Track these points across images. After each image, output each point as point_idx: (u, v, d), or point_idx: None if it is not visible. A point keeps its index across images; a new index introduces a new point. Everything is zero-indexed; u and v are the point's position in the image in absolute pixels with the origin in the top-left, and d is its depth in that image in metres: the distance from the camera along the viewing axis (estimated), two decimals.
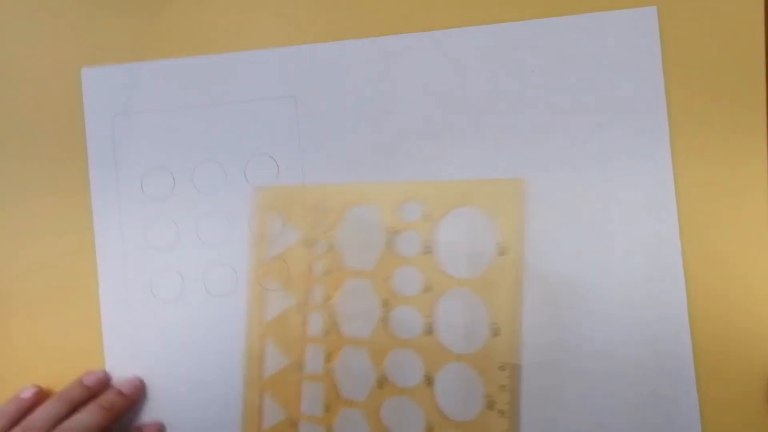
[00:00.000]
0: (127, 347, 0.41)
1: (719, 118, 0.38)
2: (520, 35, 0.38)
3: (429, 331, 0.36)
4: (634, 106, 0.38)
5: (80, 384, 0.39)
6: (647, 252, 0.37)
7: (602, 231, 0.37)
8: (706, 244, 0.37)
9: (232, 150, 0.42)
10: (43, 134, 0.42)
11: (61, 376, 0.40)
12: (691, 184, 0.37)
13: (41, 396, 0.39)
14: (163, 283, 0.42)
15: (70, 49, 0.42)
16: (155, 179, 0.42)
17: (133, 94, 0.42)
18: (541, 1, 0.39)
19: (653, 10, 0.38)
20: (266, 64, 0.42)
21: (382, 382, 0.36)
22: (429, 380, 0.35)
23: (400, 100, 0.39)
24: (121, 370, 0.40)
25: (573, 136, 0.38)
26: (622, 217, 0.37)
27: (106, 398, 0.38)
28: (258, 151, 0.42)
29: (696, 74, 0.38)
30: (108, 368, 0.40)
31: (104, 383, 0.39)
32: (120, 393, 0.38)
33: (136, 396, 0.39)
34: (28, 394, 0.39)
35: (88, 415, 0.37)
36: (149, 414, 0.40)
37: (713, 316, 0.36)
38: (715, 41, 0.38)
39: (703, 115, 0.38)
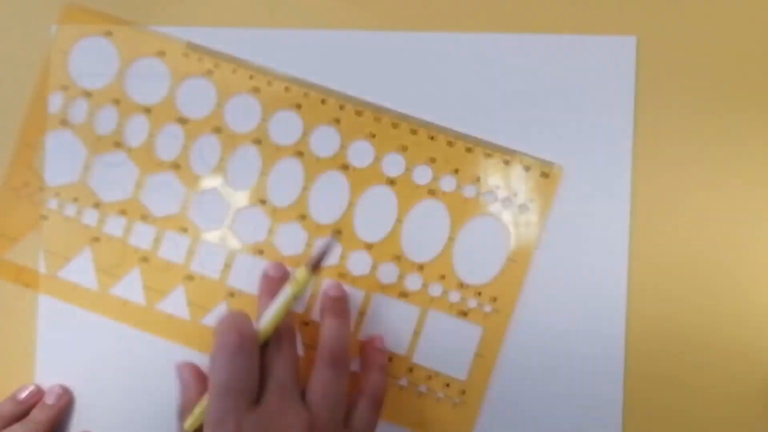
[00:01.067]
0: None
1: (685, 155, 0.36)
2: (497, 47, 0.36)
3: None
4: (600, 133, 0.36)
5: (12, 400, 0.37)
6: (593, 280, 0.35)
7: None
8: (653, 283, 0.35)
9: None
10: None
11: None
12: (648, 218, 0.35)
13: None
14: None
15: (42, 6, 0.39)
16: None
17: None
18: (522, 16, 0.36)
19: (632, 39, 0.36)
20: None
21: None
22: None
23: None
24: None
25: (534, 152, 0.36)
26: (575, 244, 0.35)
27: (35, 416, 0.36)
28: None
29: (666, 109, 0.36)
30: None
31: (36, 397, 0.37)
32: (47, 405, 0.36)
33: (63, 404, 0.37)
34: None
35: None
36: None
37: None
38: (691, 79, 0.36)
39: (668, 151, 0.36)
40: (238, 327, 0.31)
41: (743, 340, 0.35)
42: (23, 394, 0.37)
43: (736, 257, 0.35)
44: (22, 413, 0.37)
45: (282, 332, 0.32)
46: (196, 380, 0.35)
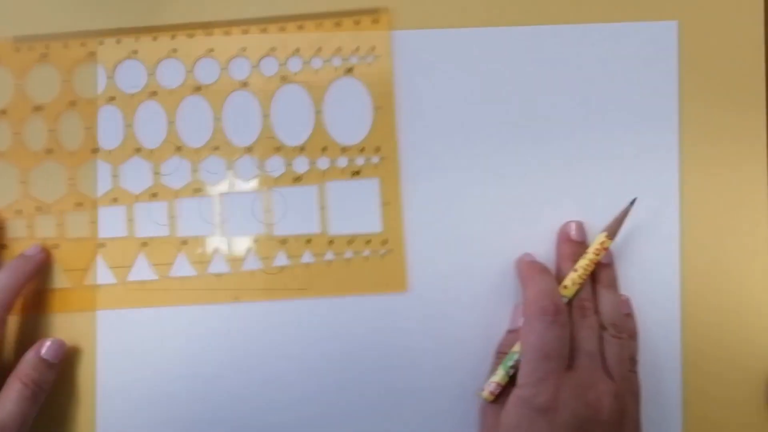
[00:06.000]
0: None
1: (729, 134, 0.37)
2: (540, 39, 0.37)
3: None
4: (646, 118, 0.37)
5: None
6: (646, 257, 0.37)
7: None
8: (706, 253, 0.37)
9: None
10: None
11: None
12: (696, 197, 0.37)
13: None
14: None
15: None
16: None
17: None
18: (561, 7, 0.37)
19: (674, 24, 0.37)
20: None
21: None
22: None
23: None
24: None
25: (582, 141, 0.37)
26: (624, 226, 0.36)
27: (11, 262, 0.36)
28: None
29: (710, 91, 0.37)
30: None
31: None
32: (24, 256, 0.36)
33: (39, 256, 0.37)
34: None
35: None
36: None
37: (706, 321, 0.37)
38: (732, 60, 0.37)
39: (713, 131, 0.37)
40: (551, 295, 0.33)
41: None
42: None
43: None
44: None
45: (584, 300, 0.34)
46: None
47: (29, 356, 0.35)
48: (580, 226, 0.36)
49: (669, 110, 0.37)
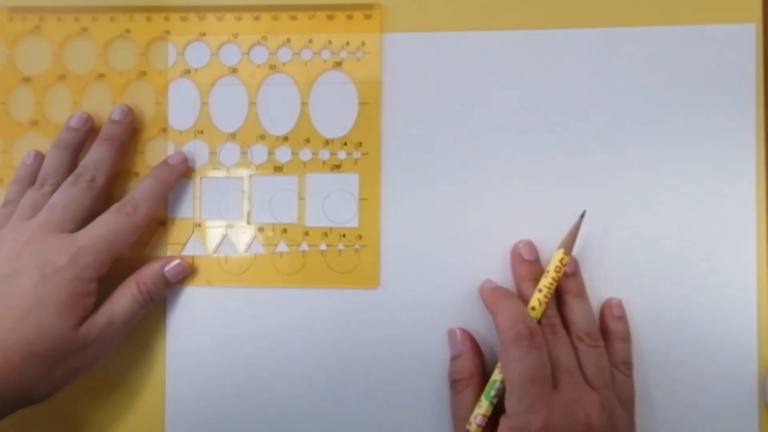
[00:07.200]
0: None
1: None
2: (613, 41, 0.37)
3: None
4: (722, 122, 0.36)
5: (67, 129, 0.37)
6: (721, 271, 0.36)
7: (677, 246, 0.36)
8: None
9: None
10: None
11: None
12: None
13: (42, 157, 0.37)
14: None
15: None
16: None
17: None
18: (636, 9, 0.37)
19: (752, 27, 0.37)
20: None
21: None
22: None
23: (487, 94, 0.37)
24: None
25: (654, 145, 0.37)
26: (698, 233, 0.36)
27: (103, 131, 0.37)
28: None
29: None
30: None
31: (90, 122, 0.37)
32: (113, 121, 0.37)
33: (128, 119, 0.37)
34: (29, 159, 0.37)
35: (96, 151, 0.36)
36: None
37: None
38: None
39: None
40: (523, 319, 0.33)
41: None
42: (76, 122, 0.37)
43: None
44: (83, 140, 0.37)
45: (551, 317, 0.34)
46: (471, 349, 0.35)
47: (153, 267, 0.36)
48: (531, 245, 0.36)
49: (746, 114, 0.36)
